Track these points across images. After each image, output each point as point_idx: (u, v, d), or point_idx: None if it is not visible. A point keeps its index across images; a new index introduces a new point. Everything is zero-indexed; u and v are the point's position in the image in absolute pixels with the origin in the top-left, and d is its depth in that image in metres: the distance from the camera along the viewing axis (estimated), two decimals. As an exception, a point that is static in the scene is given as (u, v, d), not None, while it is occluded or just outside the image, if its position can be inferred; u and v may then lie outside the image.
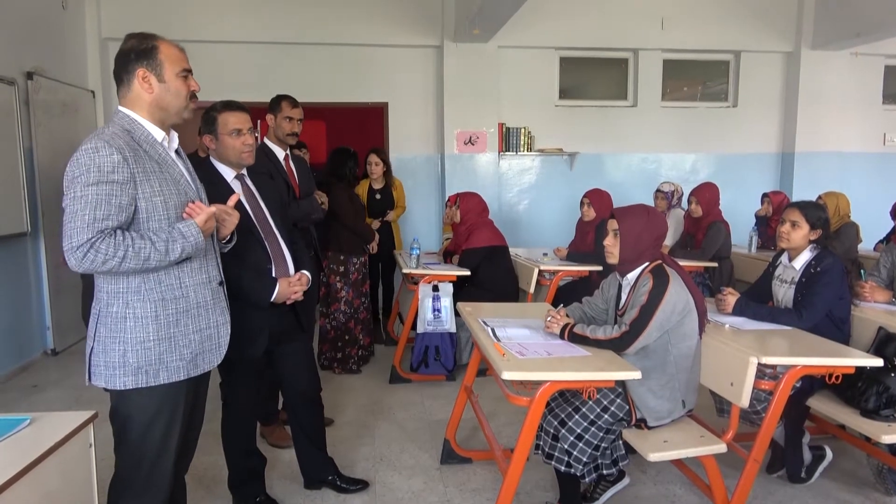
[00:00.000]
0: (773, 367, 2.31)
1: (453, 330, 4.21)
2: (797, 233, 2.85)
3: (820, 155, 6.71)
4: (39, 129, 4.69)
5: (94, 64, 5.67)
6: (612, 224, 2.48)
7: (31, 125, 4.61)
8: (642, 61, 6.59)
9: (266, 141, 3.38)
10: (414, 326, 4.23)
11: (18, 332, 4.60)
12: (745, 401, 2.23)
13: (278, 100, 3.35)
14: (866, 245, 5.10)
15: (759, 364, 2.23)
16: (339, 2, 5.96)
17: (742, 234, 5.37)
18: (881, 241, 5.20)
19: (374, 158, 4.98)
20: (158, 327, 1.80)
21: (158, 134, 1.85)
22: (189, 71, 1.89)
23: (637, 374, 2.14)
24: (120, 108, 1.84)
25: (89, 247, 1.65)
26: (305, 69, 6.08)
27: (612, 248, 2.48)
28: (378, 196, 5.06)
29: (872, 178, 6.83)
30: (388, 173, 5.06)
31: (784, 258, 2.98)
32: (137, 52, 1.80)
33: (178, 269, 1.84)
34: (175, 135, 1.92)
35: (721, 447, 2.30)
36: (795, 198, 5.50)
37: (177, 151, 1.93)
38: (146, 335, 1.78)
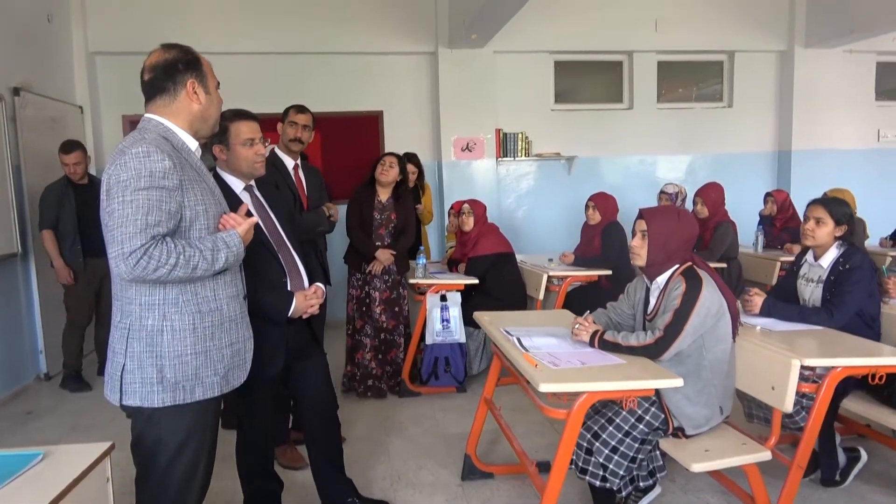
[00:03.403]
0: (812, 369, 2.23)
1: (463, 340, 4.11)
2: (822, 230, 2.78)
3: (816, 153, 6.70)
4: (27, 147, 4.53)
5: (81, 79, 5.52)
6: (640, 225, 2.40)
7: (18, 142, 4.45)
8: (637, 63, 6.55)
9: (276, 150, 3.29)
10: (422, 338, 4.12)
11: (10, 357, 4.42)
12: (788, 405, 2.15)
13: (288, 108, 3.31)
14: (870, 241, 5.07)
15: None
16: (331, 11, 5.87)
17: (743, 233, 5.31)
18: (887, 237, 5.18)
19: (410, 167, 5.06)
20: (195, 340, 1.71)
21: (192, 143, 1.79)
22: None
23: (679, 382, 2.06)
24: (151, 115, 1.76)
25: (143, 253, 1.57)
26: (299, 79, 5.96)
27: (640, 249, 2.39)
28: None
29: (868, 174, 6.79)
30: (420, 177, 5.22)
31: (809, 256, 2.91)
32: (185, 62, 1.75)
33: (213, 281, 1.76)
34: (198, 145, 1.86)
35: (766, 454, 2.21)
36: (794, 196, 5.45)
37: None
38: (184, 348, 1.70)
